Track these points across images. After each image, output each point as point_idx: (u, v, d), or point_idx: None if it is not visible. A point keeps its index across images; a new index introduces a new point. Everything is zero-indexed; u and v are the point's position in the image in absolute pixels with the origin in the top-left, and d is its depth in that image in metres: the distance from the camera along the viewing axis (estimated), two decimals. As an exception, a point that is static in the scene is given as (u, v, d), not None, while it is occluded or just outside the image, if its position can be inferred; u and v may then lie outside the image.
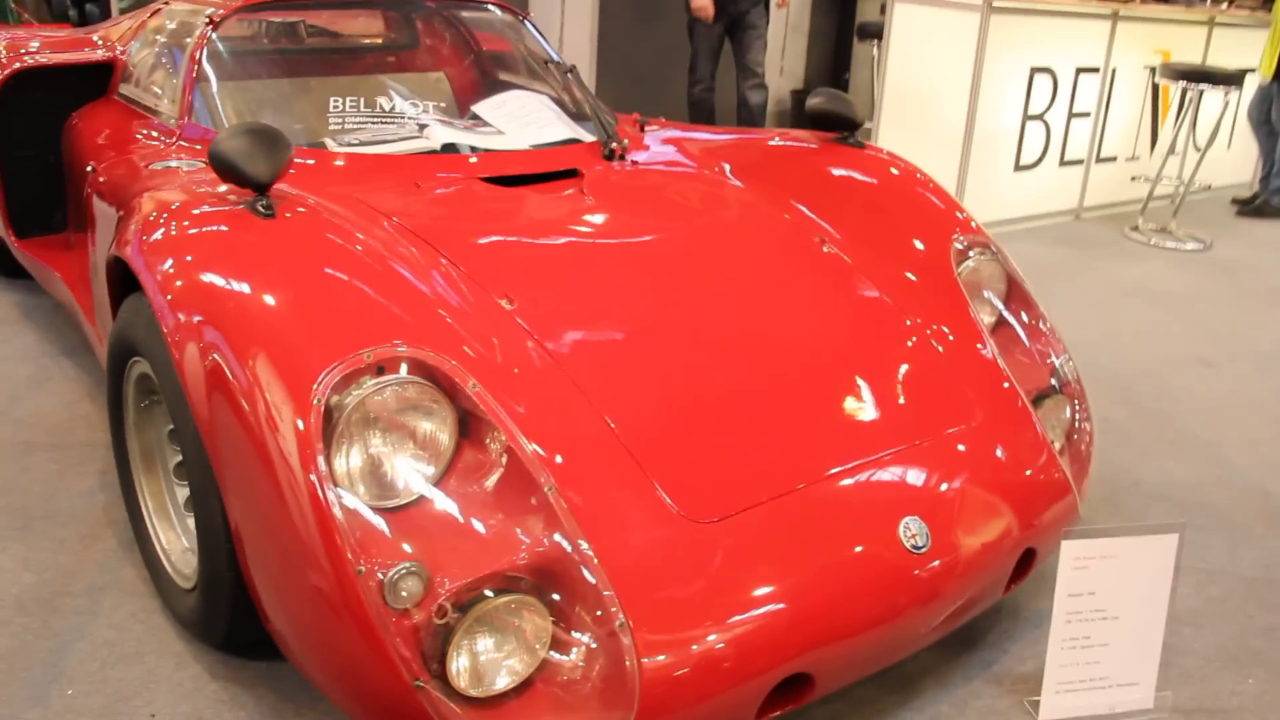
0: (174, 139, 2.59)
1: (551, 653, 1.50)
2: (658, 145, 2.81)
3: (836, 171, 2.53)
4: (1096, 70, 5.35)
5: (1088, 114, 5.43)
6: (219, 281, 1.69)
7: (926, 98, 5.05)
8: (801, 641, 1.59)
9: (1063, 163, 5.42)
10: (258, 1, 2.85)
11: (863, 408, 1.95)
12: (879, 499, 1.78)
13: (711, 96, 5.78)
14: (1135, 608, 1.92)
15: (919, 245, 2.34)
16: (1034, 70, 5.01)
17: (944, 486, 1.87)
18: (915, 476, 1.86)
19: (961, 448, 1.96)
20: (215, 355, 1.62)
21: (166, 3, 3.22)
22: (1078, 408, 2.26)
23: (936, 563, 1.74)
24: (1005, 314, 2.34)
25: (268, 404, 1.54)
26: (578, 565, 1.52)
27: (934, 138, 5.04)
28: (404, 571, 1.44)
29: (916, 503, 1.79)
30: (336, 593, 1.45)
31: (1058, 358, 2.30)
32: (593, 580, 1.51)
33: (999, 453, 1.99)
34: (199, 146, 2.48)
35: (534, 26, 3.18)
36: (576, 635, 1.50)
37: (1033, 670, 2.01)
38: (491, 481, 1.57)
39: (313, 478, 1.48)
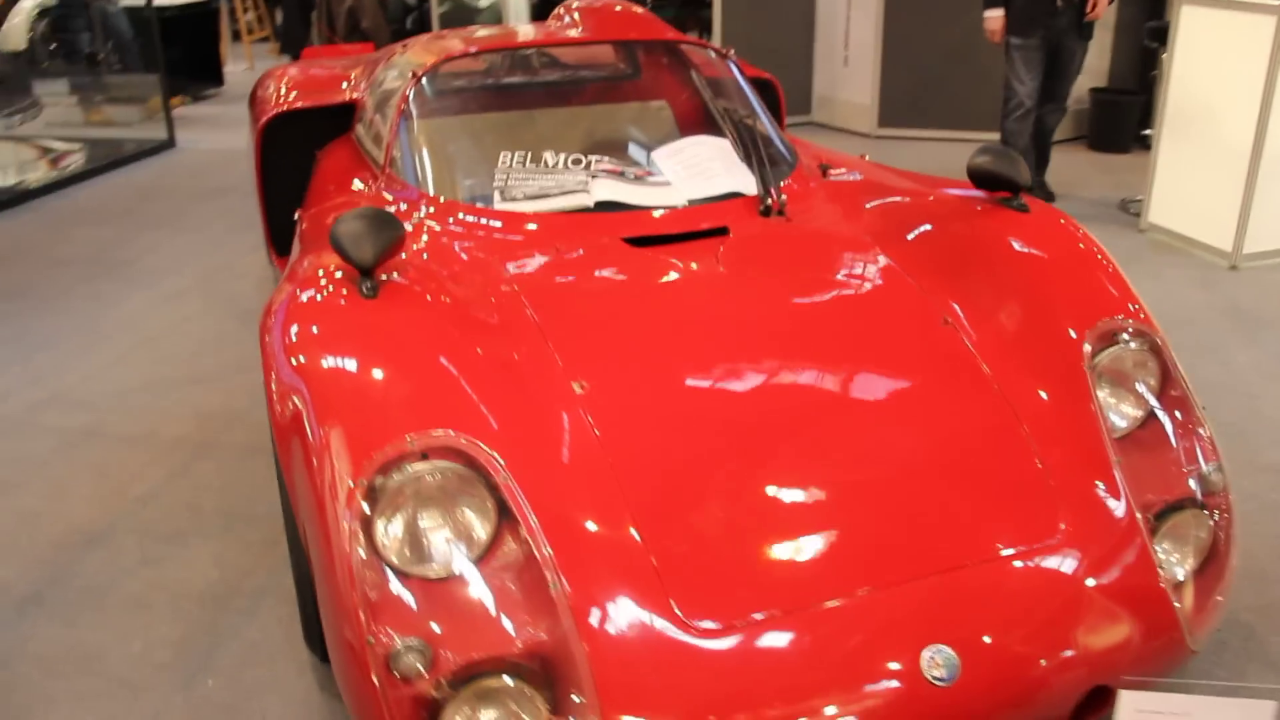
0: (376, 187, 2.91)
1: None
2: (824, 197, 2.76)
3: (989, 237, 2.38)
4: None
5: None
6: (313, 355, 1.91)
7: (1213, 110, 4.50)
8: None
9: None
10: (461, 54, 3.11)
11: (924, 519, 1.86)
12: (910, 622, 1.71)
13: (1028, 123, 5.24)
14: (1217, 778, 1.72)
15: (1056, 326, 2.16)
16: (1350, 81, 4.30)
17: (995, 612, 1.76)
18: (962, 599, 1.76)
19: (1031, 565, 1.82)
20: (298, 417, 1.85)
21: (404, 47, 3.57)
22: (1221, 523, 2.02)
23: (961, 698, 1.66)
24: (1155, 410, 2.12)
25: (330, 472, 1.75)
26: (571, 662, 1.61)
27: (1218, 155, 4.49)
28: (408, 646, 1.60)
29: (953, 630, 1.70)
30: (353, 651, 1.64)
31: (1206, 464, 2.06)
32: (580, 678, 1.60)
33: (1079, 575, 1.83)
34: (395, 197, 2.76)
35: (735, 65, 3.21)
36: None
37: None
38: (509, 572, 1.70)
39: (348, 547, 1.67)
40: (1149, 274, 4.45)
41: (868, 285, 2.36)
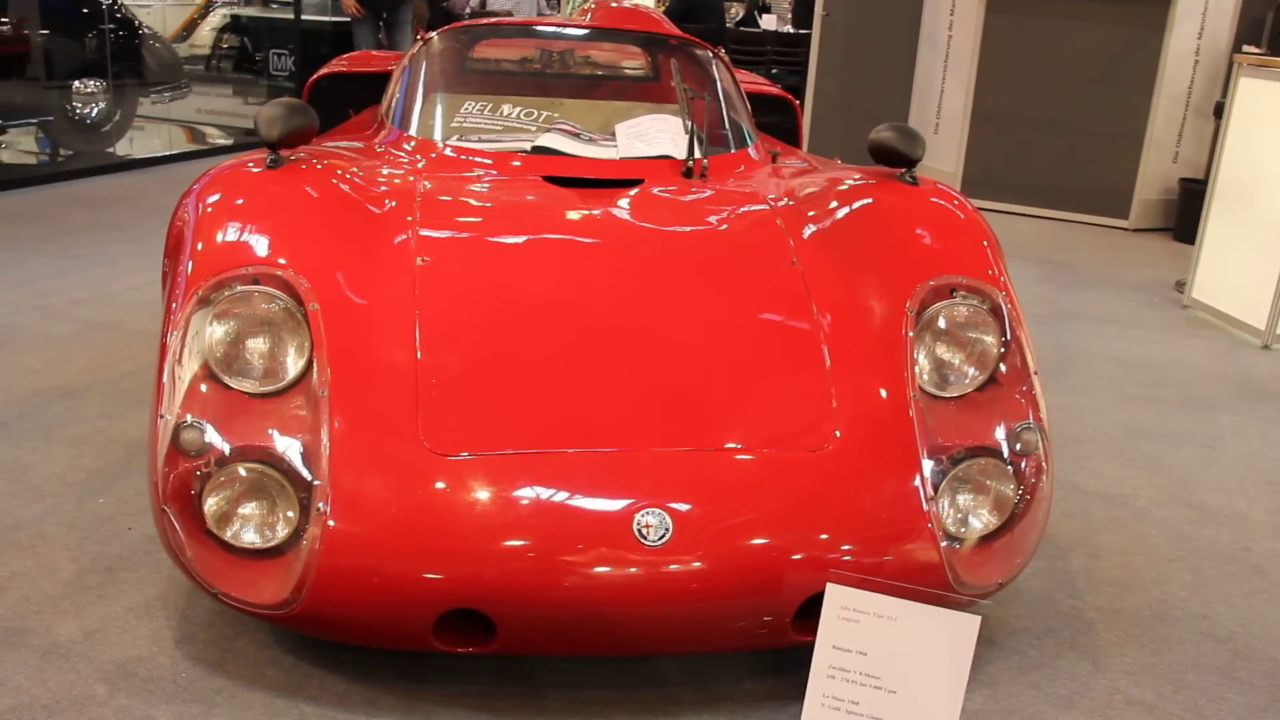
0: (371, 131, 3.22)
1: (280, 528, 1.80)
2: (754, 172, 2.90)
3: (869, 202, 2.45)
4: None
5: None
6: (205, 198, 2.17)
7: (1262, 187, 4.38)
8: (480, 582, 1.72)
9: None
10: (469, 24, 3.43)
11: (700, 406, 1.97)
12: (639, 484, 1.82)
13: None
14: (919, 689, 1.73)
15: (896, 276, 2.20)
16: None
17: (731, 494, 1.84)
18: (697, 476, 1.85)
19: (790, 464, 1.90)
20: (180, 245, 2.12)
21: None
22: (1028, 484, 2.03)
23: (664, 563, 1.75)
24: (989, 368, 2.14)
25: (183, 283, 2.01)
26: (317, 462, 1.81)
27: (1261, 232, 4.35)
28: (189, 424, 1.84)
29: (678, 499, 1.80)
30: (153, 425, 1.89)
31: (1021, 422, 2.08)
32: (317, 475, 1.80)
33: (837, 485, 1.90)
34: (382, 139, 3.06)
35: (723, 62, 3.39)
36: (290, 515, 1.80)
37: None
38: (286, 384, 1.91)
39: (171, 338, 1.93)
40: (1173, 343, 4.33)
41: (739, 228, 2.48)
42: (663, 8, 9.08)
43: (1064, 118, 6.50)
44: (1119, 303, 4.86)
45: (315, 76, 4.00)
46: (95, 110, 6.43)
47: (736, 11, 10.49)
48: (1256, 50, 5.87)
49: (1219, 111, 5.25)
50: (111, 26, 6.56)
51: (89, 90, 6.31)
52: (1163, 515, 2.81)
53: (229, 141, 7.42)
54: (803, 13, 11.43)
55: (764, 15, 10.51)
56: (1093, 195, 6.53)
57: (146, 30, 6.98)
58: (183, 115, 7.57)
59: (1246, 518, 2.83)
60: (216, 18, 8.83)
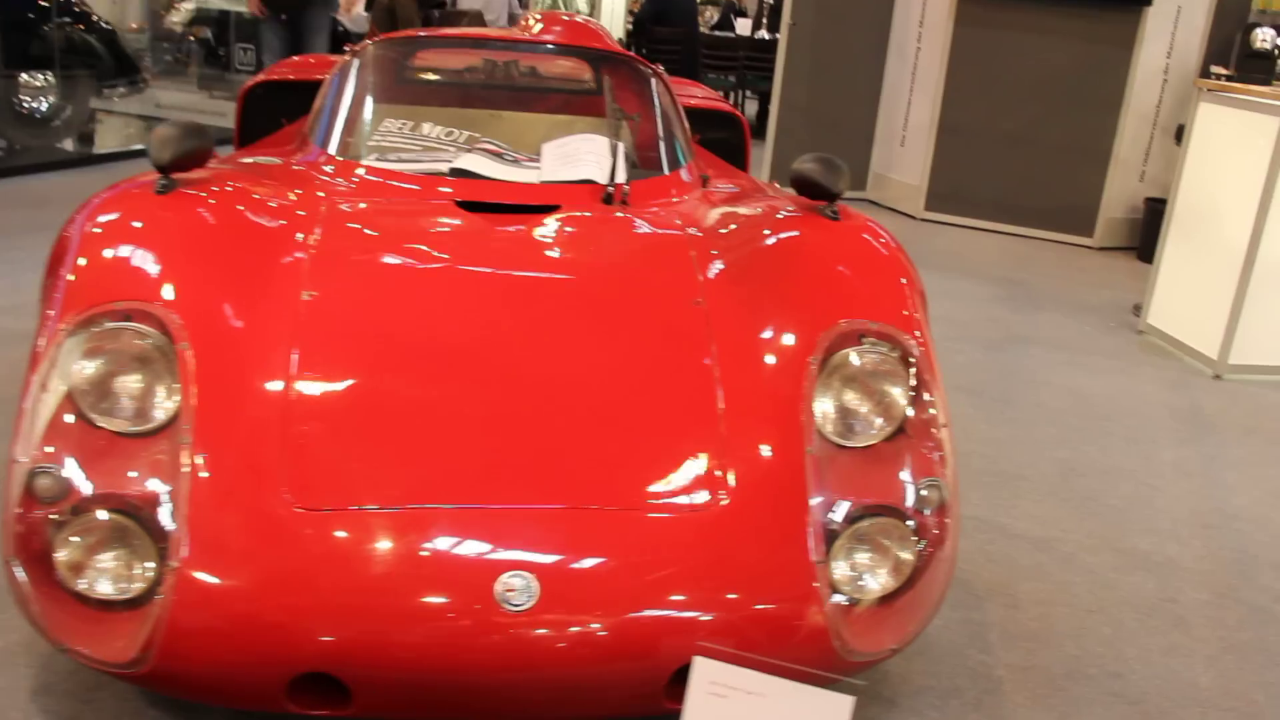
0: (294, 146, 3.11)
1: (136, 581, 1.71)
2: (680, 196, 2.81)
3: (784, 237, 2.36)
4: None
5: None
6: (86, 225, 2.06)
7: (1216, 213, 4.32)
8: (331, 645, 1.63)
9: None
10: (395, 36, 3.32)
11: (577, 460, 1.87)
12: (506, 544, 1.73)
13: None
14: (793, 768, 1.65)
15: (802, 318, 2.12)
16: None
17: (597, 559, 1.76)
18: (569, 537, 1.76)
19: (667, 525, 1.81)
20: (56, 270, 2.02)
21: None
22: (931, 540, 1.94)
23: (527, 628, 1.66)
24: (897, 419, 2.05)
25: (54, 315, 1.91)
26: (177, 510, 1.72)
27: (1216, 259, 4.29)
28: (44, 470, 1.73)
29: (542, 561, 1.71)
30: (8, 467, 1.78)
31: (926, 478, 1.99)
32: (175, 526, 1.70)
33: (717, 548, 1.80)
34: (301, 156, 2.95)
35: (662, 80, 3.30)
36: (148, 566, 1.70)
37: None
38: (154, 425, 1.81)
39: (36, 374, 1.82)
40: (1123, 370, 4.26)
41: (647, 262, 2.39)
42: (635, 9, 9.01)
43: (1031, 133, 6.44)
44: (1073, 326, 4.80)
45: (250, 83, 3.88)
46: (44, 104, 6.29)
47: (711, 15, 10.39)
48: (1224, 71, 5.82)
49: (1179, 136, 5.18)
50: (67, 20, 6.43)
51: (37, 84, 6.17)
52: (1090, 561, 2.74)
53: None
54: (775, 18, 11.40)
55: (739, 20, 10.43)
56: (1058, 212, 6.48)
57: (103, 24, 6.85)
58: (142, 110, 7.43)
59: (1176, 564, 2.76)
60: (180, 13, 8.73)
